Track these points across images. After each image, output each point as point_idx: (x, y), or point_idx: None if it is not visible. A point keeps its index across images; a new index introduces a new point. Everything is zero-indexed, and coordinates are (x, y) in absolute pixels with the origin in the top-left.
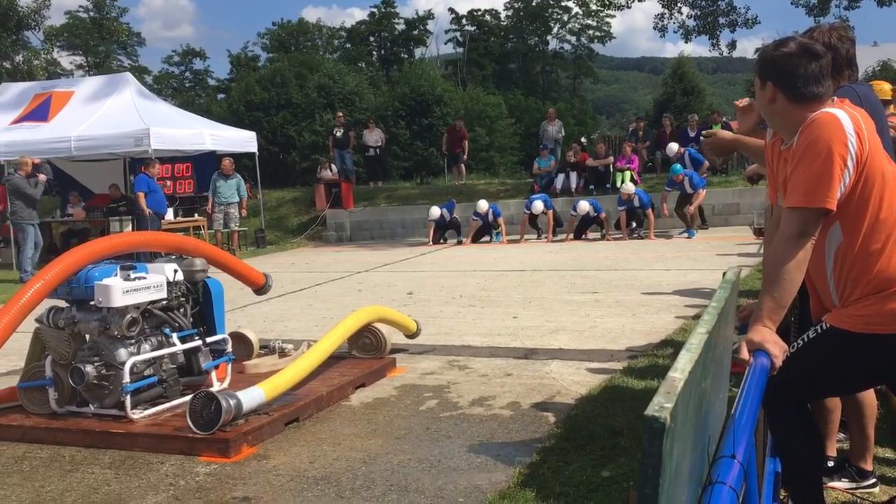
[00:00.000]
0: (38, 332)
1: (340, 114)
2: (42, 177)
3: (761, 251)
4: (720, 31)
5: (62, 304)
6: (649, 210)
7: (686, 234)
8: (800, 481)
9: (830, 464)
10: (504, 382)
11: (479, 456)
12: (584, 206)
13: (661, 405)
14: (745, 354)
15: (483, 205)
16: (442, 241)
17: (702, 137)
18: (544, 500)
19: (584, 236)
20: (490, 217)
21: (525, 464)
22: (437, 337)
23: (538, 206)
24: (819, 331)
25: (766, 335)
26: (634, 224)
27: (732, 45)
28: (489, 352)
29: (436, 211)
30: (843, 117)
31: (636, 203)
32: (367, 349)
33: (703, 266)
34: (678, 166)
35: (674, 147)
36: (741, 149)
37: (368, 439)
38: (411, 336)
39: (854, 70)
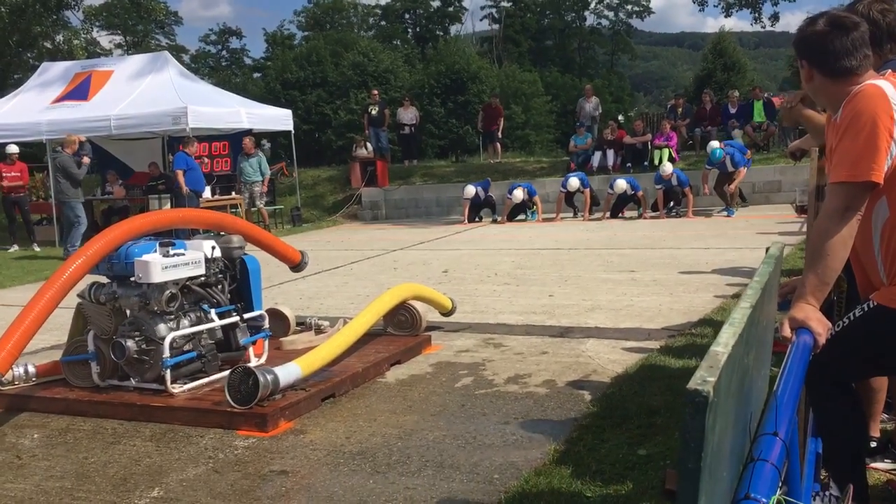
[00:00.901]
0: (80, 307)
1: (375, 92)
2: (86, 159)
3: (803, 229)
4: (762, 4)
5: (103, 279)
6: (688, 189)
7: (725, 213)
8: (842, 461)
9: (873, 444)
10: (539, 360)
11: (515, 433)
12: (622, 184)
13: (704, 379)
14: (787, 332)
15: (519, 194)
16: (477, 219)
17: (784, 97)
18: (580, 478)
19: (620, 214)
20: (525, 197)
21: (561, 441)
22: (472, 315)
23: (574, 183)
24: (866, 309)
25: (810, 312)
26: (672, 203)
27: (775, 18)
28: (525, 330)
29: (471, 189)
30: (889, 89)
31: (674, 182)
32: (403, 326)
33: (742, 244)
34: (718, 151)
35: (714, 144)
36: (806, 122)
37: (404, 415)
38: (446, 314)
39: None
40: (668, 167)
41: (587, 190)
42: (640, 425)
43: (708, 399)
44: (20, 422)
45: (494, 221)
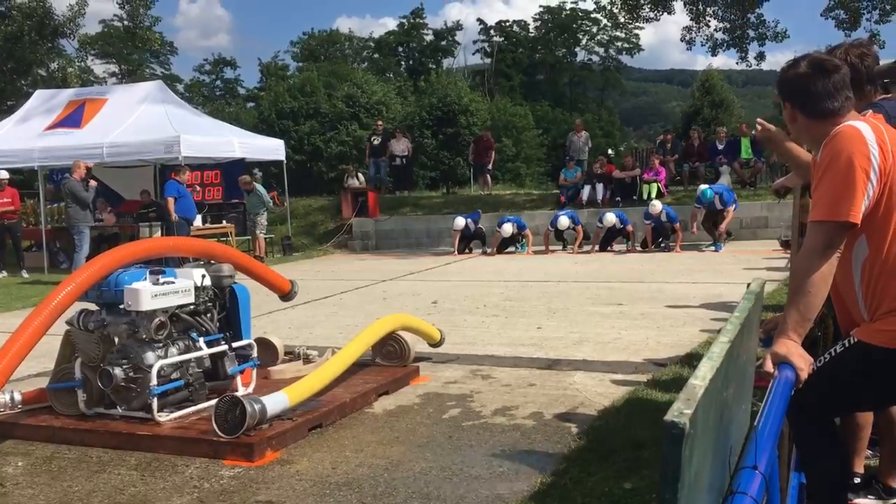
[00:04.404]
0: (68, 334)
1: (380, 122)
2: (93, 182)
3: (788, 265)
4: (748, 44)
5: (92, 307)
6: (677, 224)
7: (713, 248)
8: (824, 497)
9: (857, 480)
10: (527, 392)
11: (502, 465)
12: (611, 218)
13: (680, 411)
14: (769, 367)
15: (508, 228)
16: (467, 251)
17: (757, 123)
18: None
19: (609, 248)
20: (515, 231)
21: (547, 474)
22: (460, 346)
23: (564, 222)
24: (847, 345)
25: (792, 348)
26: (661, 238)
27: (761, 57)
28: (513, 362)
29: (461, 221)
30: (866, 130)
31: (664, 218)
32: (391, 357)
33: (729, 279)
34: (709, 191)
35: (703, 187)
36: (787, 153)
37: (391, 446)
38: (435, 345)
39: (876, 87)
40: (657, 205)
41: (579, 227)
42: (627, 458)
43: (684, 431)
44: (4, 449)
45: (484, 253)
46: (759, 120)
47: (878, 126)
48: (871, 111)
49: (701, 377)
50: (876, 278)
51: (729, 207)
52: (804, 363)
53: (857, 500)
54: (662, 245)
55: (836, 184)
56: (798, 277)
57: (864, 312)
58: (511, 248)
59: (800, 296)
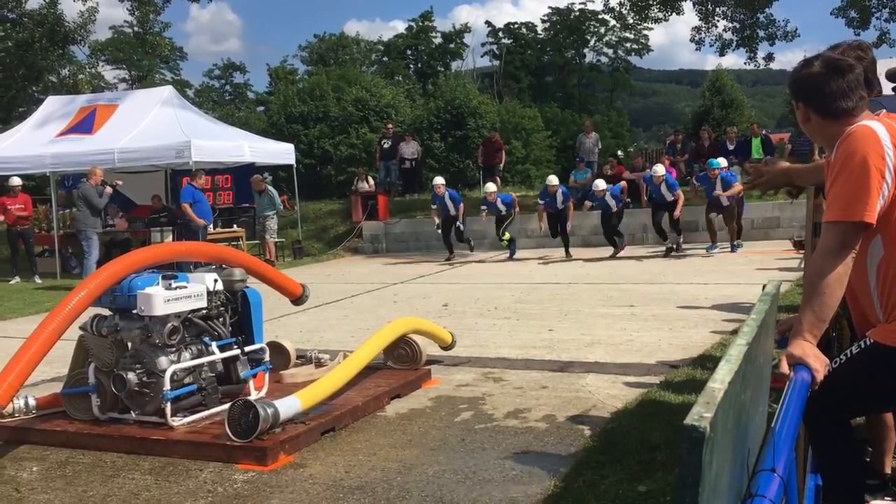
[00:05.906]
0: (81, 339)
1: (390, 125)
2: (108, 189)
3: (802, 265)
4: (758, 44)
5: (106, 312)
6: (677, 191)
7: (729, 249)
8: (841, 498)
9: (876, 482)
10: (539, 395)
11: (514, 468)
12: (601, 184)
13: (700, 415)
14: (785, 368)
15: (490, 187)
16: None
17: (748, 166)
18: None
19: (620, 255)
20: (501, 207)
21: (560, 477)
22: (472, 349)
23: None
24: (862, 346)
25: (807, 349)
26: (667, 245)
27: (769, 58)
28: (524, 364)
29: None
30: (880, 129)
31: (664, 190)
32: (403, 360)
33: (741, 280)
34: (716, 161)
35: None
36: (796, 178)
37: (403, 450)
38: (446, 348)
39: (872, 89)
40: (659, 169)
41: (570, 202)
42: (640, 461)
43: (704, 435)
44: (19, 454)
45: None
46: (739, 184)
47: (892, 126)
48: (884, 111)
49: (720, 380)
50: (892, 279)
51: (734, 183)
52: (820, 364)
53: (873, 502)
54: (672, 252)
55: (851, 184)
56: (813, 278)
57: (879, 313)
58: (507, 236)
59: (815, 297)
